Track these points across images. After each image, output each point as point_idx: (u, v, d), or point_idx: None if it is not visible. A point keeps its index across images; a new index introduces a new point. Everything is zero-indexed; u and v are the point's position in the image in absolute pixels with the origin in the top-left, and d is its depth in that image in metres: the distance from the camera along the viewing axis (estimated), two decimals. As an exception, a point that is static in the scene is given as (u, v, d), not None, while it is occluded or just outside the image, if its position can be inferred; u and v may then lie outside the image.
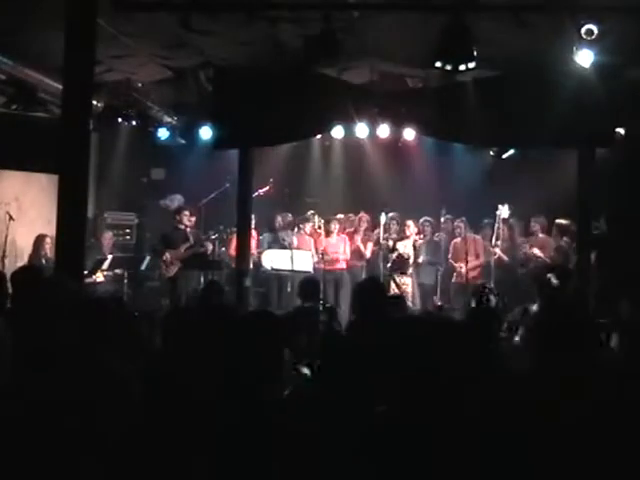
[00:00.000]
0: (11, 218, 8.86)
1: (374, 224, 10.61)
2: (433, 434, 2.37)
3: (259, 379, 2.51)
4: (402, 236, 10.06)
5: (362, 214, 10.84)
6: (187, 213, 9.80)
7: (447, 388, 2.41)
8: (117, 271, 9.79)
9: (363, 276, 9.88)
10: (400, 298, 5.97)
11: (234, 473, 2.45)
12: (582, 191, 8.07)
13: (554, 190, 9.60)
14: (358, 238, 10.49)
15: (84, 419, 2.66)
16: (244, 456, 2.44)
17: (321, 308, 6.35)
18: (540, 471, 2.44)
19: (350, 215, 11.07)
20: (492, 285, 8.21)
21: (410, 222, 10.12)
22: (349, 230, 10.71)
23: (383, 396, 2.57)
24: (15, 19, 6.82)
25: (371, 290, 4.46)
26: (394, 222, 10.22)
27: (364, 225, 10.66)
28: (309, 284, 6.23)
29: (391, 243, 9.95)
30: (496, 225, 9.91)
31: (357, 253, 10.45)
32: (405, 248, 9.90)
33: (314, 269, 9.89)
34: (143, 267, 10.20)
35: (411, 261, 9.87)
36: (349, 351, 2.80)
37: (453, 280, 10.06)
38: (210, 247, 10.01)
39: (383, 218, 10.01)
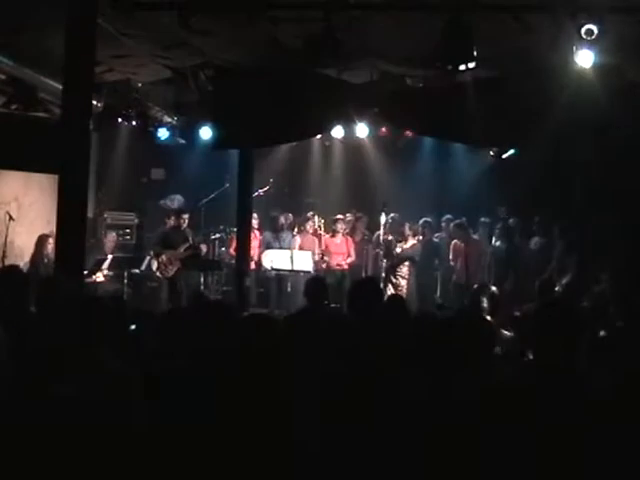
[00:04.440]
0: (11, 218, 8.84)
1: (370, 224, 10.61)
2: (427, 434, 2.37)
3: (255, 380, 2.51)
4: (400, 238, 9.98)
5: (360, 214, 10.84)
6: (185, 217, 9.78)
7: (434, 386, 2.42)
8: (117, 271, 9.78)
9: (363, 276, 9.89)
10: (398, 299, 5.95)
11: (239, 474, 2.45)
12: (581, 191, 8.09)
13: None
14: (357, 238, 10.50)
15: (84, 419, 2.66)
16: (247, 457, 2.44)
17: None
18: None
19: (348, 215, 11.04)
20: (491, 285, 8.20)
21: (407, 224, 10.03)
22: (347, 230, 10.68)
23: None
24: (15, 19, 6.82)
25: (366, 290, 4.44)
26: (394, 223, 10.18)
27: (362, 225, 10.66)
28: (316, 284, 6.01)
29: (392, 244, 9.90)
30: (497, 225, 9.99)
31: (358, 253, 10.43)
32: (403, 252, 9.88)
33: (317, 269, 9.89)
34: (143, 267, 10.20)
35: (407, 263, 9.83)
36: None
37: (453, 280, 10.06)
38: (204, 249, 9.96)
39: (383, 218, 10.02)
